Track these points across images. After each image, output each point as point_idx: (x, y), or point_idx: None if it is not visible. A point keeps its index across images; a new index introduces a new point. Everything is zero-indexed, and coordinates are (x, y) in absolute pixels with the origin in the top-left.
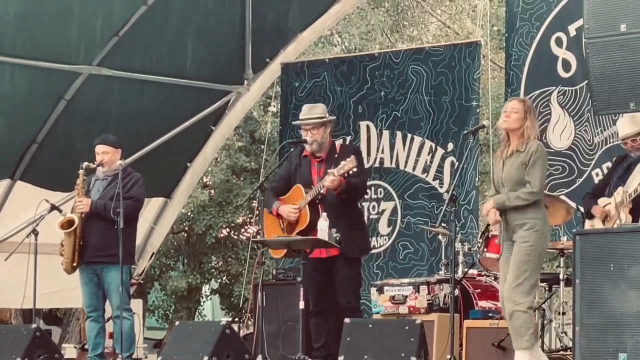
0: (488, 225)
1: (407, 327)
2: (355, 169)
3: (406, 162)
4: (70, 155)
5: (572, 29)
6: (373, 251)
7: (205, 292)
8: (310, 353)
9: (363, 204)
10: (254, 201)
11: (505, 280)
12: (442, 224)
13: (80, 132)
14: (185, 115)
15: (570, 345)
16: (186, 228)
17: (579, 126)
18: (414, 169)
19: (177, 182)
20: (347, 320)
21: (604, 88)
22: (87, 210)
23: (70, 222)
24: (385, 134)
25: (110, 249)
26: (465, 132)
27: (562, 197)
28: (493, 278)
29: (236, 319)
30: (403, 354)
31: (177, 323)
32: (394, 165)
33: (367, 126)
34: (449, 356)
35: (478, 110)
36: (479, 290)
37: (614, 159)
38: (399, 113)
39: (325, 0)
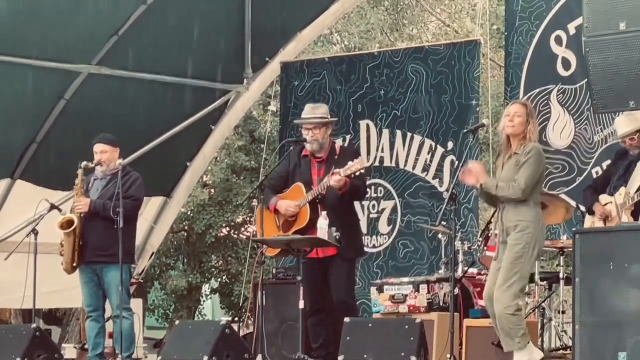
0: (488, 223)
1: (406, 326)
2: (362, 170)
3: (406, 160)
4: (70, 155)
5: (571, 28)
6: (373, 250)
7: (205, 291)
8: (310, 352)
9: (362, 203)
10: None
11: (492, 280)
12: (442, 223)
13: (79, 131)
14: (185, 114)
15: (570, 344)
16: (186, 227)
17: (579, 124)
18: (413, 167)
19: (177, 181)
20: (346, 319)
21: (603, 86)
22: (86, 210)
23: (69, 222)
24: (385, 132)
25: (110, 249)
26: (465, 130)
27: (562, 195)
28: None
29: (236, 318)
30: (403, 353)
31: (177, 322)
32: (393, 164)
33: (367, 125)
34: (448, 355)
35: (478, 109)
36: (479, 289)
37: (615, 152)
38: (398, 112)
39: None
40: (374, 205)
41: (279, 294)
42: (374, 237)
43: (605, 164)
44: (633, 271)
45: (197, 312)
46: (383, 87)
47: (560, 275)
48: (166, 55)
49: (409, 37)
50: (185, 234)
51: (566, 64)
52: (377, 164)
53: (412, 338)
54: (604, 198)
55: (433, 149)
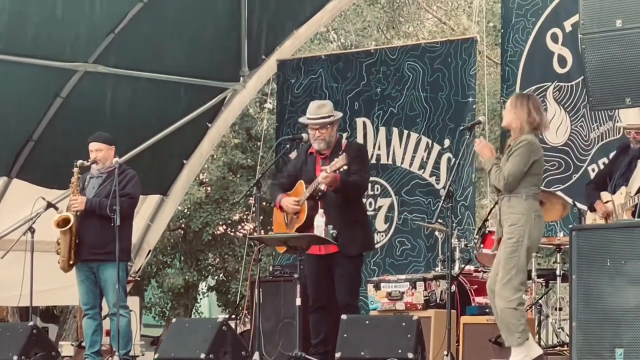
0: (485, 221)
1: (403, 324)
2: (345, 167)
3: (403, 158)
4: (67, 153)
5: (567, 25)
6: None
7: (202, 289)
8: (307, 350)
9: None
10: (251, 198)
11: (494, 272)
12: (439, 220)
13: (76, 129)
14: (182, 112)
15: (567, 340)
16: (183, 225)
17: (575, 122)
18: (410, 165)
19: (174, 179)
20: (343, 316)
21: (599, 83)
22: (83, 209)
23: (65, 221)
24: (382, 130)
25: (106, 247)
26: (462, 128)
27: (559, 192)
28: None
29: (233, 316)
30: (400, 350)
31: (174, 320)
32: (390, 162)
33: (364, 123)
34: (445, 352)
35: (474, 106)
36: (476, 286)
37: (617, 147)
38: (395, 109)
39: None
40: (370, 203)
41: (276, 291)
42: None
43: (601, 161)
44: (630, 268)
45: (194, 310)
46: (379, 84)
47: (557, 272)
48: (162, 54)
49: (405, 35)
50: (182, 232)
51: (562, 61)
52: (374, 161)
53: (409, 335)
54: (604, 196)
55: (430, 146)
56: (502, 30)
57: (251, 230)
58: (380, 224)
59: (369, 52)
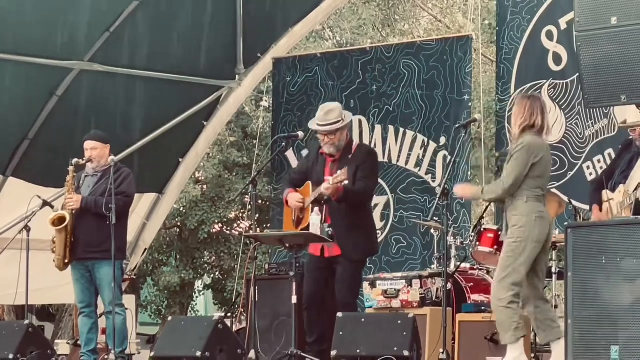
0: (480, 219)
1: (399, 321)
2: (346, 182)
3: (398, 156)
4: (63, 151)
5: (562, 22)
6: None
7: (198, 287)
8: (303, 348)
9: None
10: (246, 196)
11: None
12: (435, 218)
13: (72, 127)
14: (177, 111)
15: None
16: (178, 223)
17: (570, 119)
18: (406, 163)
19: (169, 177)
20: (339, 314)
21: (595, 81)
22: (78, 207)
23: (61, 219)
24: (378, 128)
25: (101, 245)
26: (457, 126)
27: (554, 190)
28: (485, 272)
29: (229, 314)
30: (396, 348)
31: (169, 318)
32: (386, 160)
33: (359, 121)
34: (441, 350)
35: (470, 104)
36: (472, 284)
37: (621, 144)
38: (391, 107)
39: None
40: None
41: (272, 289)
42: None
43: (596, 159)
44: (625, 265)
45: (190, 308)
46: (375, 82)
47: (553, 269)
48: (158, 52)
49: (401, 33)
50: (178, 230)
51: (557, 59)
52: None
53: (405, 333)
54: (605, 195)
55: (425, 144)
56: (497, 28)
57: (247, 229)
58: (376, 221)
59: (364, 50)
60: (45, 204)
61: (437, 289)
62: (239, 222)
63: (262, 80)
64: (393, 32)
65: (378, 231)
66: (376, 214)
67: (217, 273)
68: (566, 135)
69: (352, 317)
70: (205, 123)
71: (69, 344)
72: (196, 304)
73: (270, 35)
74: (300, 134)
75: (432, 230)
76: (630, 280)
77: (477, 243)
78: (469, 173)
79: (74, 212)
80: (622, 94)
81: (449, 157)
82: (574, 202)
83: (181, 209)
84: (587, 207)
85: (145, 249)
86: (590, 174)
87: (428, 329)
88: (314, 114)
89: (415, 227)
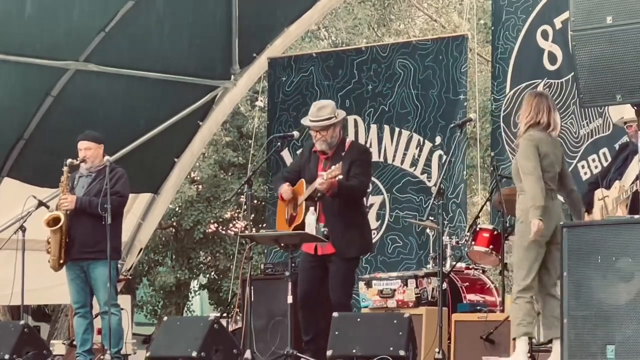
0: (476, 218)
1: (395, 321)
2: (341, 176)
3: (394, 156)
4: (58, 152)
5: (557, 22)
6: None
7: (194, 287)
8: (299, 347)
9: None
10: (242, 196)
11: None
12: (430, 218)
13: (67, 128)
14: (173, 111)
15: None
16: (174, 223)
17: (565, 119)
18: (402, 162)
19: (165, 177)
20: (335, 314)
21: (590, 80)
22: (73, 207)
23: (56, 220)
24: (373, 128)
25: (96, 245)
26: (453, 125)
27: None
28: (481, 271)
29: (225, 314)
30: (391, 348)
31: (165, 318)
32: (382, 159)
33: (355, 120)
34: (437, 349)
35: (465, 103)
36: (467, 283)
37: (617, 147)
38: (386, 107)
39: None
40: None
41: (268, 289)
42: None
43: (590, 158)
44: (621, 265)
45: (185, 308)
46: (371, 82)
47: None
48: (153, 52)
49: (396, 32)
50: (174, 230)
51: (552, 58)
52: None
53: (400, 333)
54: (599, 193)
55: (421, 143)
56: (492, 28)
57: (242, 228)
58: (372, 221)
59: (360, 50)
60: (41, 204)
61: (433, 289)
62: (234, 222)
63: (258, 80)
64: (388, 31)
65: (374, 231)
66: (372, 214)
67: (212, 273)
68: (561, 135)
69: (348, 317)
70: (200, 123)
71: (64, 344)
72: (192, 304)
73: (266, 35)
74: (296, 133)
75: (427, 230)
76: (625, 279)
77: (473, 242)
78: (465, 172)
79: (68, 212)
80: (617, 93)
81: (445, 157)
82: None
83: (177, 209)
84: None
85: (141, 249)
86: (585, 173)
87: (424, 329)
88: None
89: (410, 227)
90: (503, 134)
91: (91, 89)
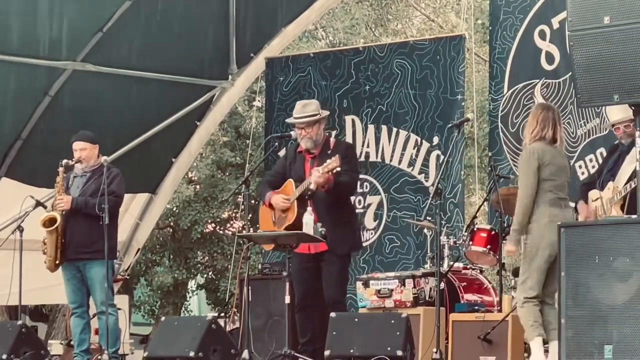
0: (473, 218)
1: (393, 321)
2: (339, 168)
3: (392, 156)
4: (55, 152)
5: (555, 22)
6: None
7: (191, 287)
8: (296, 348)
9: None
10: (239, 196)
11: None
12: (428, 218)
13: (65, 128)
14: (170, 111)
15: None
16: (171, 223)
17: (562, 118)
18: (399, 162)
19: (162, 177)
20: (332, 314)
21: (587, 80)
22: (68, 208)
23: (52, 220)
24: (371, 128)
25: (93, 245)
26: (450, 125)
27: None
28: (479, 271)
29: (222, 314)
30: (389, 348)
31: (163, 318)
32: (379, 159)
33: (353, 120)
34: (434, 349)
35: (463, 103)
36: (465, 283)
37: (605, 149)
38: (384, 107)
39: None
40: (360, 201)
41: (265, 289)
42: (361, 232)
43: (588, 158)
44: (618, 265)
45: (183, 308)
46: (368, 82)
47: None
48: (151, 52)
49: (393, 33)
50: (171, 230)
51: (550, 58)
52: (362, 159)
53: (398, 333)
54: (593, 194)
55: (419, 144)
56: (490, 28)
57: (240, 228)
58: (369, 221)
59: (357, 50)
60: (38, 204)
61: (430, 289)
62: (232, 222)
63: (255, 80)
64: (386, 31)
65: (371, 231)
66: (369, 214)
67: (210, 273)
68: None
69: (345, 317)
70: (198, 123)
71: (62, 344)
72: (189, 304)
73: (263, 35)
74: (293, 133)
75: (425, 230)
76: (623, 279)
77: (470, 242)
78: (462, 172)
79: (64, 213)
80: (614, 94)
81: (442, 157)
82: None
83: (174, 209)
84: None
85: (139, 249)
86: (583, 173)
87: (421, 329)
88: None
89: (408, 227)
90: (501, 134)
91: (89, 89)
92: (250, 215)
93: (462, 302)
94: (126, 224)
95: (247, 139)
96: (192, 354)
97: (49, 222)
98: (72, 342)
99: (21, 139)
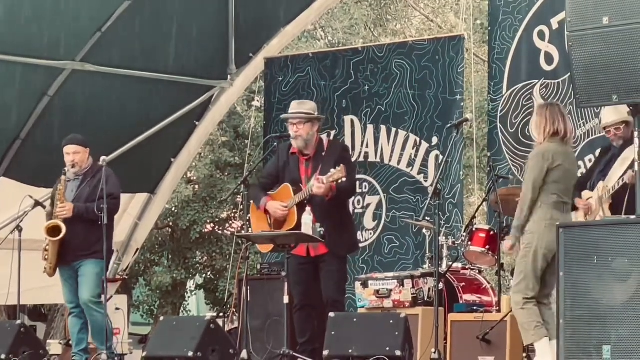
0: (472, 218)
1: (391, 321)
2: (344, 179)
3: (391, 156)
4: (54, 152)
5: (554, 22)
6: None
7: (190, 287)
8: (295, 348)
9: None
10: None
11: None
12: (427, 218)
13: (64, 128)
14: (169, 111)
15: None
16: (170, 223)
17: None
18: (398, 163)
19: (161, 177)
20: (331, 314)
21: (586, 81)
22: (70, 216)
23: (56, 229)
24: (370, 128)
25: (91, 248)
26: (449, 125)
27: None
28: (477, 271)
29: (221, 314)
30: (388, 348)
31: (161, 318)
32: (378, 160)
33: (352, 120)
34: (433, 350)
35: (462, 104)
36: (464, 283)
37: (599, 150)
38: (383, 107)
39: None
40: (359, 201)
41: (264, 289)
42: (360, 232)
43: (587, 159)
44: (617, 265)
45: (182, 308)
46: (367, 82)
47: None
48: (150, 52)
49: (392, 33)
50: (170, 230)
51: (549, 58)
52: (362, 159)
53: (396, 333)
54: (585, 194)
55: (418, 144)
56: (489, 28)
57: (239, 228)
58: (368, 221)
59: (356, 50)
60: (37, 204)
61: (429, 289)
62: (231, 222)
63: (254, 80)
64: (385, 32)
65: (370, 231)
66: (368, 214)
67: (209, 273)
68: None
69: (344, 317)
70: (197, 123)
71: (61, 344)
72: (188, 304)
73: (262, 35)
74: (292, 133)
75: (424, 230)
76: (621, 279)
77: (469, 243)
78: (461, 173)
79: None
80: (613, 94)
81: (441, 157)
82: None
83: (173, 209)
84: None
85: (137, 249)
86: (582, 174)
87: (420, 329)
88: None
89: (407, 227)
90: (500, 134)
91: (88, 89)
92: (249, 216)
93: (460, 302)
94: (125, 224)
95: (246, 139)
96: (190, 354)
97: (54, 232)
98: (70, 342)
99: (20, 139)
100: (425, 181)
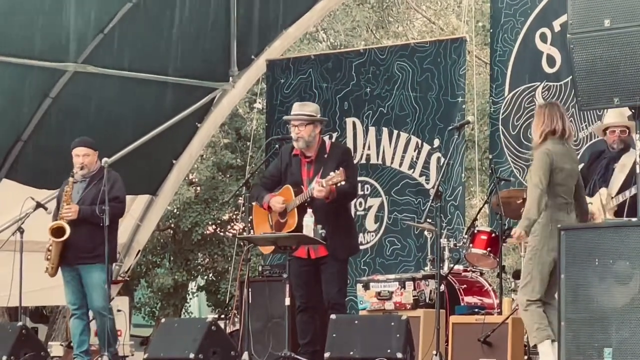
0: (474, 220)
1: (392, 323)
2: (343, 182)
3: (392, 158)
4: (56, 153)
5: (556, 25)
6: (360, 247)
7: (192, 289)
8: (296, 349)
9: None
10: (240, 198)
11: None
12: (428, 220)
13: (66, 129)
14: (171, 113)
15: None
16: (172, 225)
17: None
18: (400, 165)
19: (163, 179)
20: (332, 316)
21: (588, 83)
22: (76, 218)
23: (60, 230)
24: (372, 130)
25: (93, 251)
26: (451, 128)
27: None
28: (479, 274)
29: (222, 316)
30: (389, 350)
31: (163, 320)
32: (380, 162)
33: (353, 122)
34: (434, 352)
35: (464, 106)
36: (465, 285)
37: (589, 155)
38: (384, 109)
39: None
40: (361, 203)
41: (265, 291)
42: (361, 234)
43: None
44: (618, 267)
45: (183, 310)
46: (369, 84)
47: None
48: (152, 54)
49: (394, 35)
50: (172, 232)
51: (551, 61)
52: (363, 161)
53: (398, 335)
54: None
55: (419, 146)
56: (491, 30)
57: (240, 230)
58: (370, 223)
59: (358, 52)
60: (39, 205)
61: (431, 291)
62: (232, 224)
63: (256, 82)
64: (387, 34)
65: (372, 233)
66: (370, 216)
67: (210, 275)
68: None
69: (345, 319)
70: (198, 125)
71: (62, 345)
72: (190, 306)
73: (264, 37)
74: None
75: (425, 232)
76: (622, 282)
77: (471, 245)
78: (463, 175)
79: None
80: (615, 97)
81: (443, 159)
82: None
83: (175, 210)
84: None
85: (139, 251)
86: None
87: (421, 331)
88: None
89: (409, 229)
90: (501, 136)
91: (90, 90)
92: (250, 217)
93: (462, 304)
94: (127, 225)
95: (248, 140)
96: (192, 355)
97: (58, 233)
98: (72, 344)
99: (22, 141)
100: (427, 183)
